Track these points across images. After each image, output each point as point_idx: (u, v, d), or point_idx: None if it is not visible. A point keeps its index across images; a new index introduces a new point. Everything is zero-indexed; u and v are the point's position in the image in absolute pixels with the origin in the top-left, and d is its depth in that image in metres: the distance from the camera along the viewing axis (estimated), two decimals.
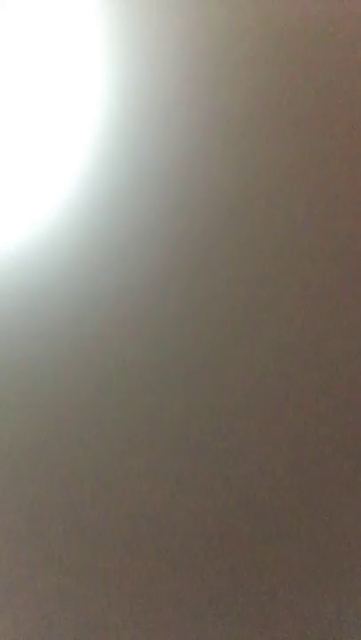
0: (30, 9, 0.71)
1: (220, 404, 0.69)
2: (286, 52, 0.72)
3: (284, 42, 0.72)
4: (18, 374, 0.69)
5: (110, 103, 0.71)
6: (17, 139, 0.70)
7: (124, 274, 0.70)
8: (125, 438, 0.69)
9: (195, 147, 0.71)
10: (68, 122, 0.70)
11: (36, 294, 0.69)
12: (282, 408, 0.70)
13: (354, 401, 0.70)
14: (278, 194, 0.71)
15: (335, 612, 0.69)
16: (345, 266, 0.71)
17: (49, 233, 0.70)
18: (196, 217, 0.70)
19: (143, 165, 0.70)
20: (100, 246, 0.70)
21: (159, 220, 0.70)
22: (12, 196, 0.70)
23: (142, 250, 0.70)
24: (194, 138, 0.71)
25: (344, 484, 0.70)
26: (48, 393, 0.69)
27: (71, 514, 0.68)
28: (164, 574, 0.68)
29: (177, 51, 0.71)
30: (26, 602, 0.68)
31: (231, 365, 0.70)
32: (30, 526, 0.68)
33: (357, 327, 0.71)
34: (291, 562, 0.69)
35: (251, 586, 0.69)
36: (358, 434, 0.70)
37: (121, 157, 0.70)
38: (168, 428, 0.69)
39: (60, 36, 0.71)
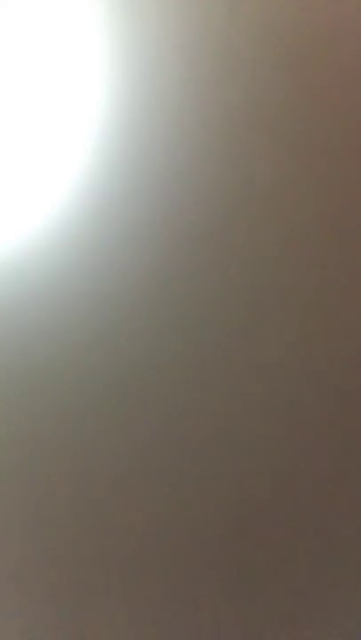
0: (30, 7, 0.71)
1: (221, 403, 0.69)
2: (287, 51, 0.72)
3: (285, 41, 0.72)
4: (18, 375, 0.69)
5: (110, 103, 0.71)
6: (17, 138, 0.70)
7: (125, 274, 0.70)
8: (126, 439, 0.69)
9: (195, 146, 0.71)
10: (68, 121, 0.70)
11: (36, 294, 0.69)
12: (285, 408, 0.70)
13: (354, 400, 0.70)
14: (279, 193, 0.71)
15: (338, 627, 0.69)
16: (347, 263, 0.71)
17: (49, 233, 0.70)
18: (197, 216, 0.70)
19: (143, 165, 0.70)
20: (100, 246, 0.70)
21: (159, 219, 0.70)
22: (11, 195, 0.70)
23: (143, 249, 0.70)
24: (194, 138, 0.71)
25: (346, 489, 0.70)
26: (48, 394, 0.69)
27: (71, 514, 0.68)
28: (164, 579, 0.69)
29: (177, 50, 0.71)
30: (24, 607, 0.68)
31: (232, 365, 0.70)
32: (29, 528, 0.68)
33: (358, 326, 0.71)
34: (293, 572, 0.69)
35: (252, 593, 0.69)
36: (359, 434, 0.70)
37: (121, 157, 0.70)
38: (169, 429, 0.69)
39: (60, 36, 0.71)
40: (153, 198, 0.70)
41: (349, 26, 0.73)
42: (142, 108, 0.70)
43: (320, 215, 0.71)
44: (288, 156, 0.72)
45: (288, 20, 0.72)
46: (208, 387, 0.69)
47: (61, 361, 0.69)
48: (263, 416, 0.69)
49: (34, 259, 0.69)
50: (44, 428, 0.68)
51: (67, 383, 0.69)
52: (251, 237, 0.71)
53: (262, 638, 0.69)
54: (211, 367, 0.69)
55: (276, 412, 0.70)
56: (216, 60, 0.71)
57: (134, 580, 0.68)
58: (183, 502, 0.69)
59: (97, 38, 0.71)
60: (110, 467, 0.68)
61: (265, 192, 0.71)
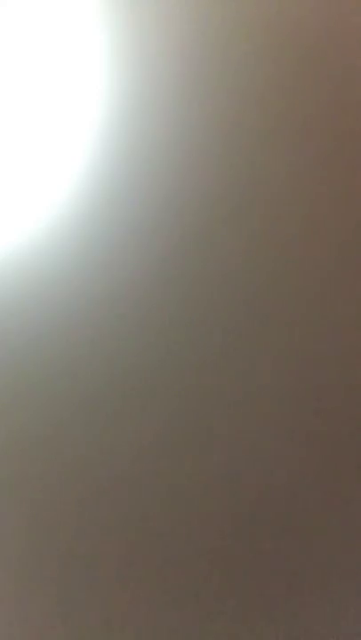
0: (30, 7, 0.71)
1: (221, 402, 0.69)
2: (287, 51, 0.72)
3: (284, 42, 0.72)
4: (18, 374, 0.69)
5: (110, 103, 0.71)
6: (17, 138, 0.70)
7: (125, 273, 0.70)
8: (126, 438, 0.69)
9: (195, 147, 0.71)
10: (68, 121, 0.70)
11: (35, 294, 0.69)
12: (281, 408, 0.70)
13: (354, 401, 0.70)
14: (279, 193, 0.71)
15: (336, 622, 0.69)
16: (345, 265, 0.71)
17: (48, 233, 0.70)
18: (197, 216, 0.70)
19: (143, 165, 0.70)
20: (100, 246, 0.70)
21: (159, 219, 0.70)
22: (12, 195, 0.70)
23: (143, 249, 0.70)
24: (194, 138, 0.71)
25: (345, 488, 0.70)
26: (49, 392, 0.69)
27: (70, 514, 0.68)
28: (164, 580, 0.69)
29: (177, 51, 0.71)
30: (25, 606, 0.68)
31: (230, 366, 0.70)
32: (29, 530, 0.68)
33: (358, 327, 0.71)
34: (292, 567, 0.69)
35: (251, 589, 0.69)
36: (358, 434, 0.70)
37: (121, 157, 0.70)
38: (169, 428, 0.69)
39: (60, 36, 0.71)
40: (153, 198, 0.70)
41: (350, 26, 0.73)
42: (142, 108, 0.71)
43: (321, 215, 0.71)
44: (288, 155, 0.72)
45: (288, 20, 0.72)
46: (208, 386, 0.69)
47: (61, 360, 0.69)
48: (263, 415, 0.69)
49: (34, 258, 0.69)
50: (45, 428, 0.68)
51: (67, 382, 0.69)
52: (251, 237, 0.71)
53: (262, 637, 0.69)
54: (210, 367, 0.69)
55: (276, 412, 0.70)
56: (216, 59, 0.71)
57: (135, 578, 0.68)
58: (184, 502, 0.69)
59: (97, 39, 0.71)
60: (110, 466, 0.68)
61: (265, 192, 0.71)
